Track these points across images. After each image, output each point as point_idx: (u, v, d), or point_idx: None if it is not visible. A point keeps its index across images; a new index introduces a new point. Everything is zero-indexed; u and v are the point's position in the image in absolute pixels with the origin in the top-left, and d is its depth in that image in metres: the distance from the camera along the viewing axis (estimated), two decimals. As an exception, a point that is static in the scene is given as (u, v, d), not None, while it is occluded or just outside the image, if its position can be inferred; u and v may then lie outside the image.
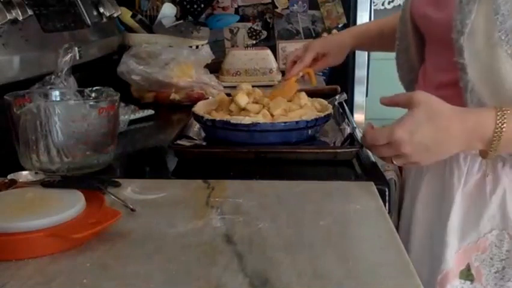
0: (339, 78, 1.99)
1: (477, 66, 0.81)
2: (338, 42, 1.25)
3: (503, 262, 0.91)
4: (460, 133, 0.80)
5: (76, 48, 1.05)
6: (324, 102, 1.17)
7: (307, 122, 1.03)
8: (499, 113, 0.78)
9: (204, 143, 1.08)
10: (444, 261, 0.92)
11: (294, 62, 1.25)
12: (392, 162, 0.85)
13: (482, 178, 0.91)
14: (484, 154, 0.83)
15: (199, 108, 1.14)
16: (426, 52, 1.02)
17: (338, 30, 2.14)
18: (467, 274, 0.92)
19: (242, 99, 1.08)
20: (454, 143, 0.81)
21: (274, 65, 1.88)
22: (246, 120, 1.01)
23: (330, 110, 1.10)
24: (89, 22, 1.07)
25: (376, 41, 1.28)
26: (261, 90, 1.18)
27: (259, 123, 1.00)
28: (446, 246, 0.92)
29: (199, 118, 1.08)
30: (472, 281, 0.92)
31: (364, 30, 1.29)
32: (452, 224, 0.92)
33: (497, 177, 0.90)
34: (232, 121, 1.01)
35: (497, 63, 0.80)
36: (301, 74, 1.25)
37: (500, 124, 0.78)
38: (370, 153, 1.02)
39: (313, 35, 2.17)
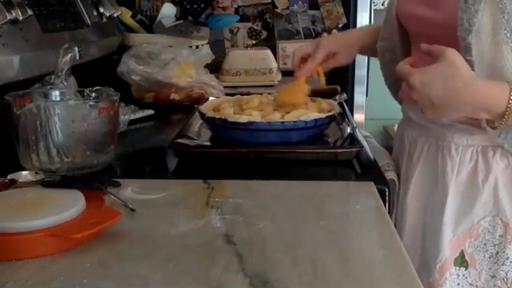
0: (339, 78, 1.98)
1: (483, 63, 0.83)
2: (348, 42, 1.19)
3: (496, 247, 0.93)
4: (469, 100, 0.81)
5: (76, 48, 1.05)
6: (334, 103, 1.17)
7: (305, 122, 1.02)
8: None
9: (204, 143, 1.08)
10: (442, 250, 0.94)
11: (303, 59, 1.15)
12: None
13: (474, 167, 0.93)
14: (491, 124, 0.85)
15: (206, 106, 1.15)
16: (414, 50, 1.03)
17: (338, 30, 2.13)
18: (461, 261, 0.95)
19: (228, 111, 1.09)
20: (460, 108, 0.83)
21: (274, 65, 1.88)
22: (243, 118, 1.01)
23: (333, 112, 1.10)
24: (89, 22, 1.07)
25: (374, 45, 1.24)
26: (266, 95, 1.19)
27: (255, 122, 1.00)
28: (442, 235, 0.94)
29: (203, 115, 1.09)
30: (466, 267, 0.95)
31: (367, 31, 1.23)
32: (447, 214, 0.94)
33: (489, 165, 0.92)
34: (229, 119, 1.01)
35: (501, 60, 0.82)
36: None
37: None
38: (370, 153, 1.02)
39: (313, 35, 2.17)
